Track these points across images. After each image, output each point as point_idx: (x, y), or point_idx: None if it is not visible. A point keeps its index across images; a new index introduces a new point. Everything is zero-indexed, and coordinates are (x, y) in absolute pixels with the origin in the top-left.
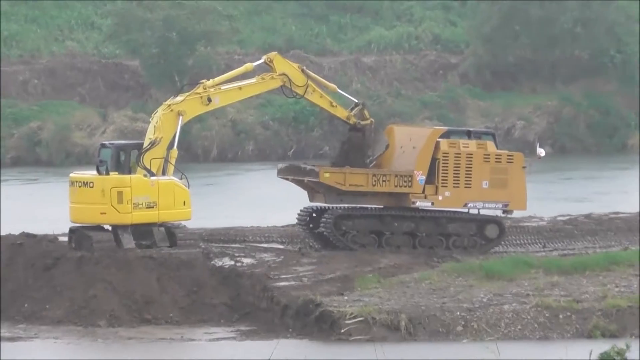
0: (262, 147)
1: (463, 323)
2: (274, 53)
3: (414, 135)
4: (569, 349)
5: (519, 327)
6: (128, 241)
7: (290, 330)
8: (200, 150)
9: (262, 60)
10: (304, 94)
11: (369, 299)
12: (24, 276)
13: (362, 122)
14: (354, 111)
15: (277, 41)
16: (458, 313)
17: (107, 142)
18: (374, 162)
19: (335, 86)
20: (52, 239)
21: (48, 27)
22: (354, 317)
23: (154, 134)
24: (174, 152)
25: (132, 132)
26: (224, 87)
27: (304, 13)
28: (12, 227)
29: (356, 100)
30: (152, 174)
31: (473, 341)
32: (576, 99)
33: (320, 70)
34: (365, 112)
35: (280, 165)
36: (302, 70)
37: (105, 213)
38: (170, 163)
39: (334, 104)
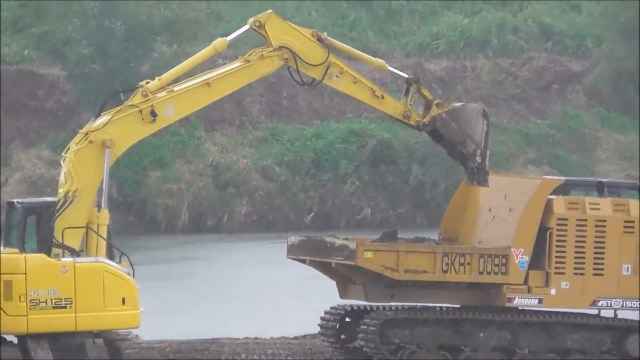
0: (263, 210)
1: None
2: (267, 12)
3: (512, 190)
4: None
5: None
6: None
7: None
8: (162, 215)
9: (246, 28)
10: (323, 78)
11: None
12: None
13: (427, 118)
14: (409, 99)
15: None
16: None
17: (15, 201)
18: (488, 154)
19: (383, 62)
20: None
21: None
22: None
23: (65, 184)
24: (104, 215)
25: (52, 184)
26: (179, 87)
27: None
28: None
29: (405, 75)
30: (74, 253)
31: None
32: None
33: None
34: (424, 91)
35: (293, 238)
36: (319, 39)
37: None
38: (95, 233)
39: (380, 93)
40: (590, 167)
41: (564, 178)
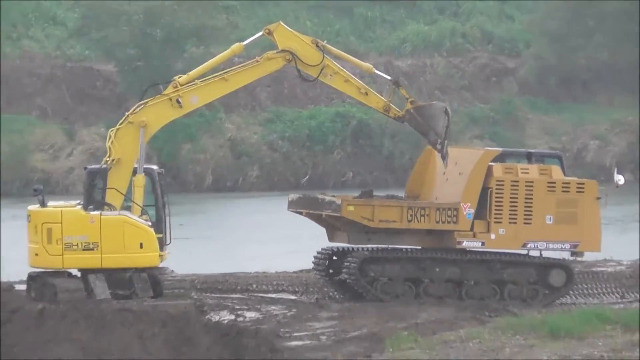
0: (269, 173)
1: None
2: (277, 23)
3: (461, 159)
4: None
5: None
6: (101, 290)
7: None
8: (192, 177)
9: (259, 34)
10: (319, 76)
11: None
12: None
13: (402, 112)
14: (389, 96)
15: None
16: None
17: (90, 167)
18: (446, 143)
19: (370, 66)
20: (7, 288)
21: None
22: None
23: (108, 156)
24: (138, 179)
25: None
26: (203, 81)
27: (321, 4)
28: None
29: (389, 78)
30: (112, 209)
31: None
32: None
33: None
34: (402, 91)
35: (292, 196)
36: (318, 45)
37: (37, 254)
38: (121, 193)
39: (365, 90)
40: (521, 141)
41: (501, 149)
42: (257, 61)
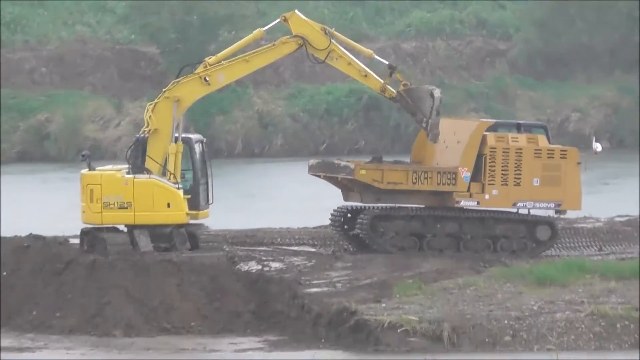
0: (292, 142)
1: (511, 333)
2: (292, 11)
3: (459, 129)
4: None
5: (573, 337)
6: (145, 244)
7: (322, 340)
8: (224, 145)
9: (277, 21)
10: (326, 59)
11: (408, 307)
12: (32, 282)
13: (395, 93)
14: (386, 79)
15: None
16: (506, 322)
17: (137, 136)
18: (431, 122)
19: (371, 52)
20: (62, 241)
21: (56, 10)
22: (392, 327)
23: (146, 126)
24: (173, 147)
25: None
26: (227, 61)
27: None
28: (19, 228)
29: (387, 63)
30: (149, 173)
31: (525, 351)
32: (636, 89)
33: (355, 57)
34: (398, 75)
35: (312, 161)
36: (325, 32)
37: (84, 212)
38: (155, 161)
39: (365, 72)
40: (512, 114)
41: (494, 120)
42: (274, 45)
